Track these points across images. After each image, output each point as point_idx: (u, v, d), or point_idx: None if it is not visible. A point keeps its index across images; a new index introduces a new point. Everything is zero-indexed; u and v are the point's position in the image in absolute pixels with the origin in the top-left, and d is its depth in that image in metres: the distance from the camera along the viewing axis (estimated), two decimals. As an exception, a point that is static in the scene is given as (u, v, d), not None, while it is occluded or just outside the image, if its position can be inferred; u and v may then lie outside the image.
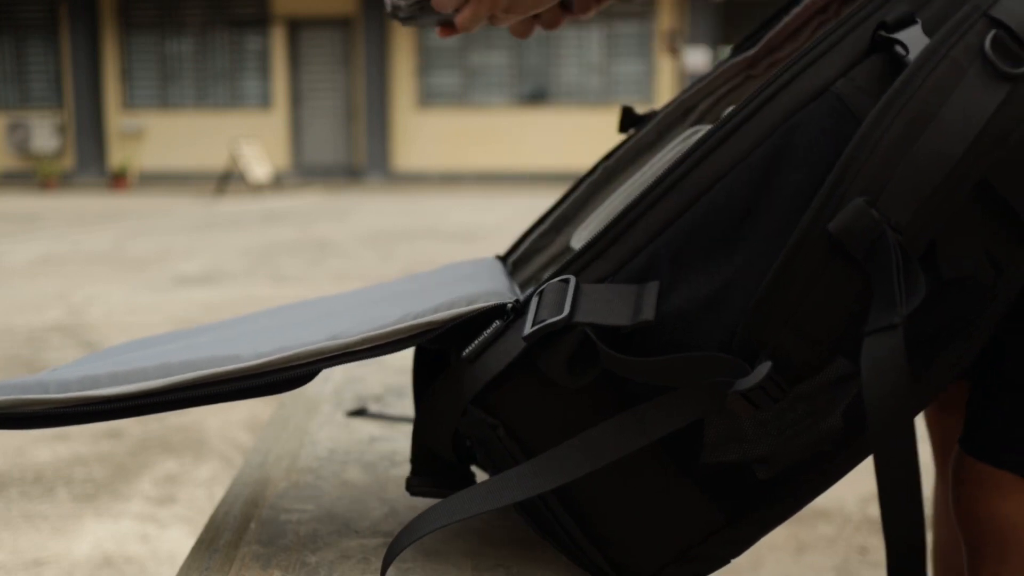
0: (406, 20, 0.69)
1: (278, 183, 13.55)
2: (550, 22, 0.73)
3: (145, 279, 4.95)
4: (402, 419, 0.90)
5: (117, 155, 14.43)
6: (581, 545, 0.54)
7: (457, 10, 0.66)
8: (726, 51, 0.76)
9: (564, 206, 0.78)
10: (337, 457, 0.78)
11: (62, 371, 0.58)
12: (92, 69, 14.31)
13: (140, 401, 0.52)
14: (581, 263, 0.51)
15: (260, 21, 14.26)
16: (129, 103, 14.60)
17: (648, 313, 0.48)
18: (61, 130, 14.41)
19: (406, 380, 1.05)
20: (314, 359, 0.53)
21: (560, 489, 0.52)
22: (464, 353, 0.52)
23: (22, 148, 14.33)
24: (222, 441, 2.35)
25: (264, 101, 14.41)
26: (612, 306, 0.49)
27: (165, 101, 14.57)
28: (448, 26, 0.70)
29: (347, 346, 0.53)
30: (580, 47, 13.51)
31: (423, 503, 0.67)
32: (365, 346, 0.53)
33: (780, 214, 0.48)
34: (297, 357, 0.52)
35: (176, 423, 2.48)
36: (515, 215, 8.46)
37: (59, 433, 2.38)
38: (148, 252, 6.11)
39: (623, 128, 0.78)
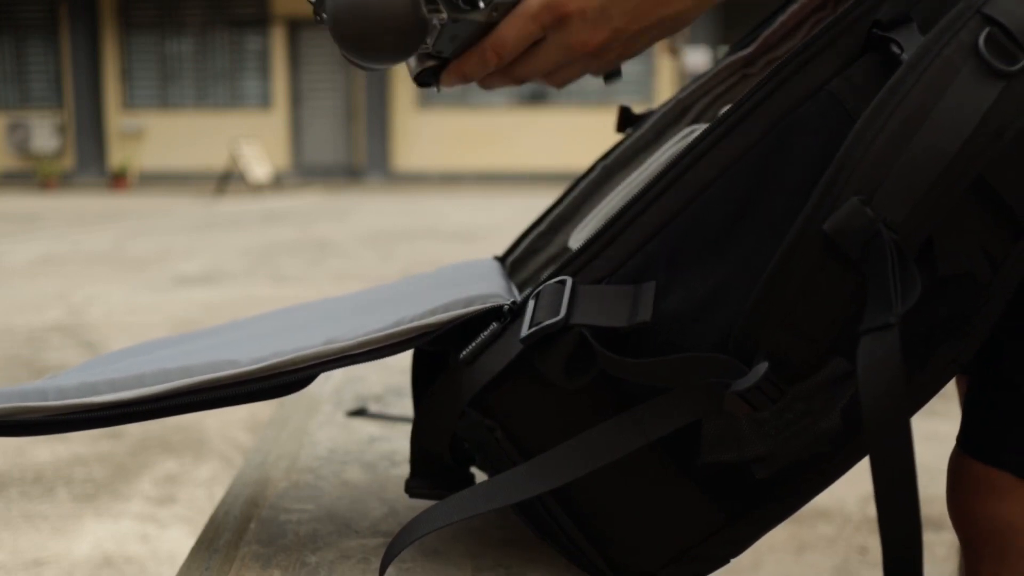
0: (424, 84, 0.61)
1: (278, 183, 13.55)
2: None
3: (145, 279, 4.95)
4: (402, 419, 0.90)
5: (117, 155, 14.44)
6: (580, 545, 0.54)
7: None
8: (726, 51, 0.76)
9: (562, 206, 0.78)
10: (337, 457, 0.79)
11: (60, 378, 0.58)
12: (92, 69, 14.31)
13: (139, 407, 0.52)
14: (578, 264, 0.51)
15: (260, 21, 14.26)
16: (129, 103, 14.60)
17: (645, 314, 0.48)
18: (61, 130, 14.42)
19: (406, 380, 1.05)
20: (312, 363, 0.53)
21: (558, 489, 0.53)
22: (461, 355, 0.52)
23: (22, 148, 14.33)
24: (222, 441, 2.35)
25: (264, 101, 14.41)
26: (609, 307, 0.49)
27: (165, 101, 14.58)
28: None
29: (344, 350, 0.53)
30: (580, 46, 13.50)
31: (423, 503, 0.67)
32: (362, 350, 0.53)
33: (776, 213, 0.48)
34: (294, 362, 0.53)
35: (176, 423, 2.48)
36: (514, 215, 8.46)
37: (59, 434, 2.38)
38: (148, 252, 6.11)
39: (620, 128, 0.78)
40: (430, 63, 0.59)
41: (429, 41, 0.56)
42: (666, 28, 0.55)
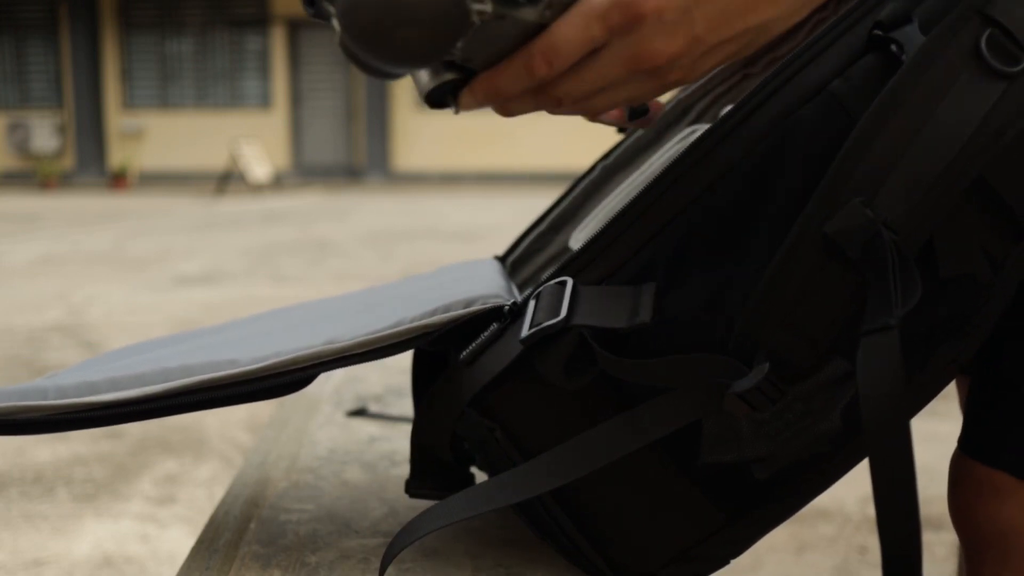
0: (437, 103, 0.50)
1: (278, 183, 13.55)
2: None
3: (145, 279, 4.95)
4: (402, 419, 0.90)
5: (117, 155, 14.44)
6: (579, 546, 0.54)
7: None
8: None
9: (562, 206, 0.78)
10: (337, 457, 0.79)
11: (61, 377, 0.58)
12: (92, 69, 14.31)
13: (139, 407, 0.52)
14: (578, 264, 0.51)
15: (260, 21, 14.26)
16: (129, 103, 14.60)
17: (645, 315, 0.48)
18: (61, 130, 14.42)
19: (406, 380, 1.05)
20: (312, 363, 0.53)
21: (558, 490, 0.53)
22: (461, 356, 0.52)
23: (22, 148, 14.33)
24: (222, 441, 2.35)
25: (264, 101, 14.41)
26: (609, 308, 0.49)
27: (165, 101, 14.58)
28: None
29: (344, 350, 0.53)
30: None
31: (423, 503, 0.67)
32: (363, 350, 0.53)
33: (777, 214, 0.48)
34: (295, 361, 0.53)
35: (176, 423, 2.48)
36: (515, 215, 8.46)
37: (59, 434, 2.38)
38: (148, 252, 6.11)
39: (621, 128, 0.78)
40: (449, 76, 0.47)
41: (460, 43, 0.45)
42: (744, 43, 0.48)
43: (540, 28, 0.46)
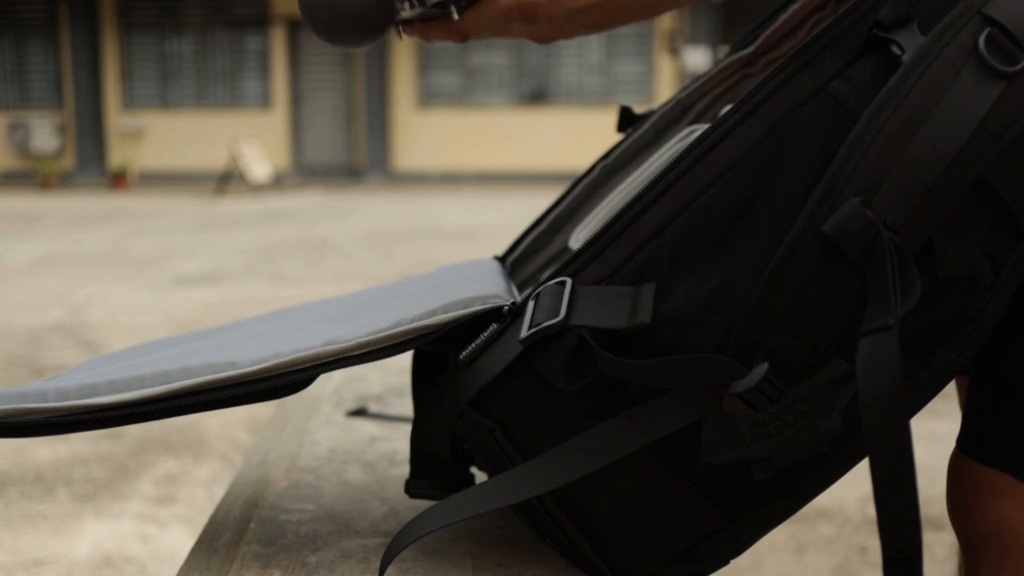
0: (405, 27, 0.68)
1: (278, 183, 13.55)
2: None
3: (145, 279, 4.95)
4: (402, 419, 0.90)
5: (117, 155, 14.43)
6: (579, 546, 0.54)
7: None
8: (726, 51, 0.76)
9: (562, 206, 0.78)
10: (337, 457, 0.79)
11: (61, 379, 0.58)
12: (92, 69, 14.31)
13: (138, 409, 0.52)
14: (578, 265, 0.51)
15: (260, 21, 14.26)
16: (129, 103, 14.60)
17: (645, 315, 0.48)
18: (61, 130, 14.41)
19: (406, 380, 1.05)
20: (311, 364, 0.53)
21: (558, 490, 0.53)
22: (461, 356, 0.52)
23: (22, 148, 14.33)
24: (222, 441, 2.35)
25: (264, 101, 14.41)
26: (608, 308, 0.49)
27: (165, 101, 14.57)
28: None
29: (344, 351, 0.53)
30: (580, 47, 13.51)
31: (423, 503, 0.67)
32: (362, 351, 0.53)
33: (776, 214, 0.48)
34: (294, 363, 0.53)
35: (176, 423, 2.48)
36: (515, 215, 8.46)
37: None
38: (148, 252, 6.11)
39: (621, 127, 0.78)
40: (396, 21, 0.65)
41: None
42: (632, 21, 0.63)
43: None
